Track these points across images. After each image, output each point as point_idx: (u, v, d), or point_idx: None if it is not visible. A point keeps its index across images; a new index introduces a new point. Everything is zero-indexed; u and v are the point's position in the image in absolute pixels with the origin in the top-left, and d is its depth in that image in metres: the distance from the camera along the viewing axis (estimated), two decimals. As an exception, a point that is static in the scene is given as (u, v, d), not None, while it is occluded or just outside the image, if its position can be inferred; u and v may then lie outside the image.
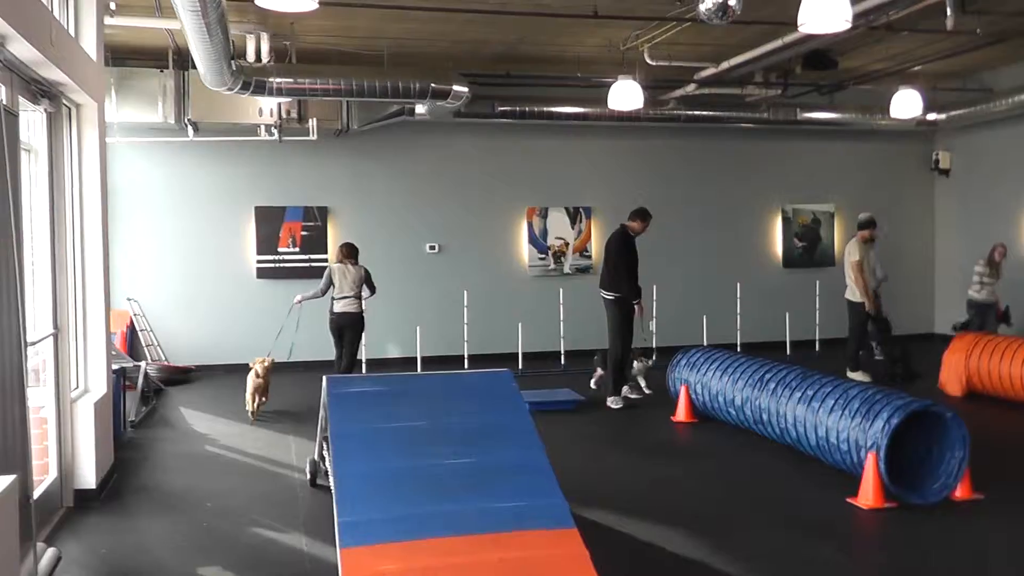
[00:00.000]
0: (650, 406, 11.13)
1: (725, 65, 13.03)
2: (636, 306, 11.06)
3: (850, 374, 12.46)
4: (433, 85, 12.39)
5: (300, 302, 11.63)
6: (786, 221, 16.94)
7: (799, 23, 8.50)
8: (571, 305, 14.76)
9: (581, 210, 15.92)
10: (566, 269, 15.85)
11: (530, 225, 15.71)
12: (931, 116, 16.08)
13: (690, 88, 14.22)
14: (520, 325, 14.11)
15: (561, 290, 14.72)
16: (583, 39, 12.62)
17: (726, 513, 7.08)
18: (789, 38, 11.38)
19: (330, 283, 11.43)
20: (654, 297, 14.65)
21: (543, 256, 15.76)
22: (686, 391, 10.30)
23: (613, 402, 11.08)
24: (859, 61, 14.24)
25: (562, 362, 14.41)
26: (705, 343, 14.23)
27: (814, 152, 17.00)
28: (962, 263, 17.01)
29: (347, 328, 11.39)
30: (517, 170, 15.67)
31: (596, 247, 15.87)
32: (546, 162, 15.79)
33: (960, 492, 7.20)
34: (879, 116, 15.82)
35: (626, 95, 12.45)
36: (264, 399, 10.94)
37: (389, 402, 5.89)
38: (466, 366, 13.76)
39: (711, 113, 15.34)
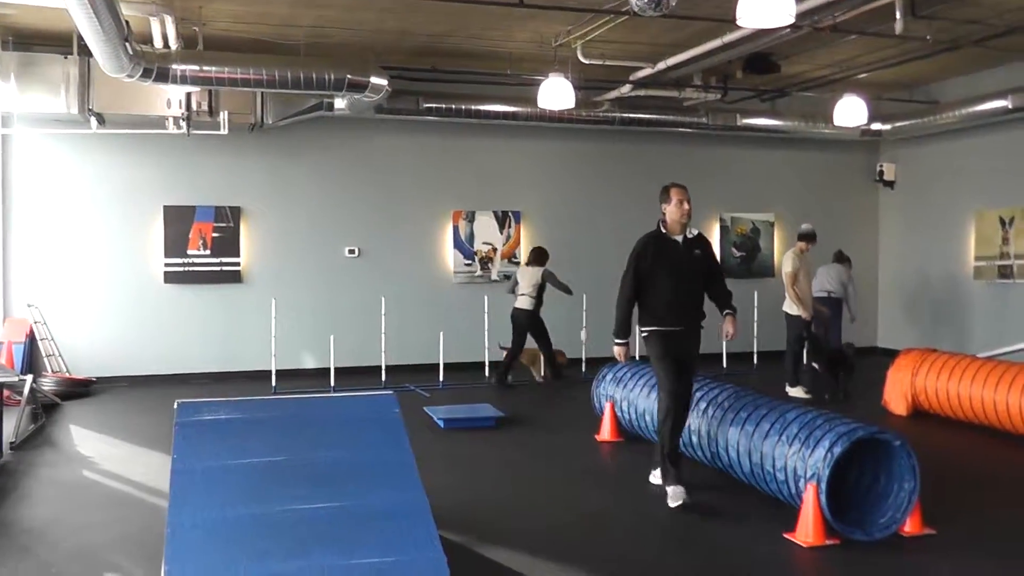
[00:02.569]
0: (573, 423, 10.41)
1: (662, 65, 12.60)
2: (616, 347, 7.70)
3: (789, 390, 12.12)
4: (350, 77, 11.67)
5: None
6: (724, 230, 16.47)
7: (737, 17, 7.97)
8: (498, 314, 14.03)
9: (510, 214, 15.25)
10: (494, 276, 15.15)
11: (456, 229, 14.97)
12: (876, 126, 15.93)
13: (625, 89, 13.73)
14: (442, 334, 13.31)
15: (487, 298, 13.93)
16: (513, 33, 12.00)
17: (653, 551, 6.37)
18: (729, 37, 11.02)
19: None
20: (584, 306, 13.94)
21: (469, 262, 15.04)
22: (611, 408, 9.61)
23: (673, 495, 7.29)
24: (802, 67, 13.92)
25: (486, 374, 13.66)
26: (637, 356, 13.63)
27: (754, 160, 16.56)
28: (904, 276, 16.79)
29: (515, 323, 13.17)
30: (443, 171, 14.94)
31: (525, 253, 15.15)
32: (474, 163, 15.09)
33: (910, 527, 6.54)
34: (822, 124, 15.61)
35: (557, 94, 11.90)
36: None
37: (244, 433, 4.99)
38: (383, 378, 12.96)
39: (647, 116, 14.86)
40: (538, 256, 13.34)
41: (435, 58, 13.25)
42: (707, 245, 7.75)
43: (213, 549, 4.29)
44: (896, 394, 11.28)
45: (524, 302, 13.11)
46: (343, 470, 4.83)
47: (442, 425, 10.09)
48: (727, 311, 7.66)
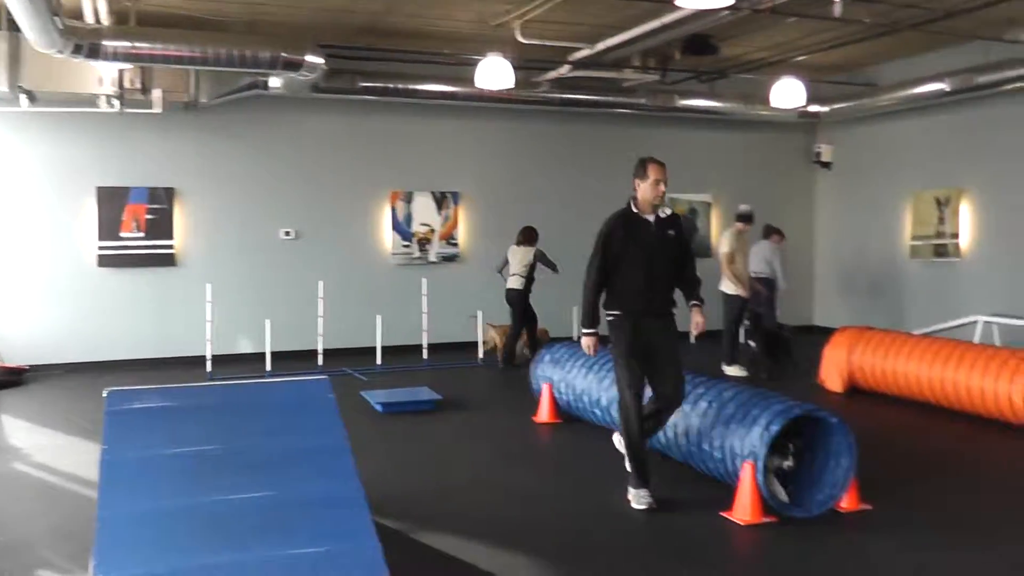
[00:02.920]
0: (512, 405, 10.36)
1: (601, 46, 12.49)
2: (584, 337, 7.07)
3: (726, 369, 12.19)
4: (284, 55, 11.42)
5: None
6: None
7: (676, -4, 7.94)
8: (436, 296, 13.96)
9: (448, 195, 15.10)
10: (432, 257, 15.01)
11: (393, 210, 14.79)
12: (813, 108, 15.99)
13: (564, 70, 13.60)
14: (380, 317, 13.17)
15: (426, 280, 13.80)
16: (452, 13, 11.84)
17: (588, 531, 6.34)
18: (668, 18, 10.92)
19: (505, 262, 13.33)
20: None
21: (407, 244, 14.87)
22: (549, 389, 9.57)
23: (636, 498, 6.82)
24: (741, 49, 13.91)
25: (425, 356, 13.54)
26: (575, 336, 13.67)
27: (693, 141, 16.57)
28: (841, 256, 16.98)
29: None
30: (380, 151, 14.72)
31: (464, 234, 15.13)
32: (412, 143, 14.88)
33: (846, 503, 6.61)
34: (760, 106, 15.60)
35: (496, 74, 11.81)
36: None
37: (176, 421, 4.84)
38: (320, 362, 12.81)
39: (586, 97, 14.76)
40: (528, 236, 13.28)
41: (373, 37, 13.01)
42: (680, 226, 7.06)
43: (144, 542, 4.17)
44: (832, 372, 11.39)
45: (516, 282, 13.08)
46: (277, 458, 4.73)
47: (380, 409, 9.99)
48: (694, 302, 7.05)
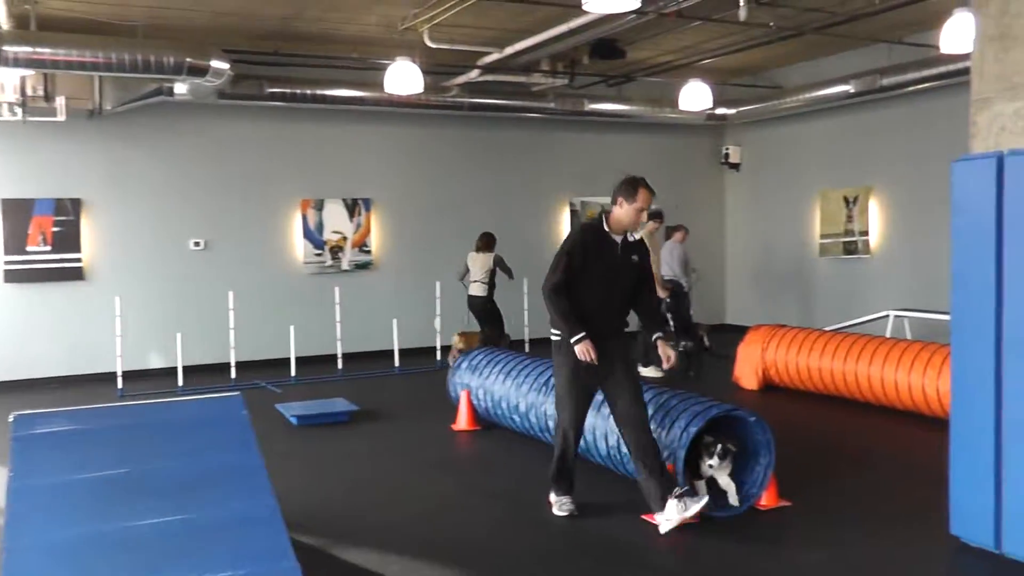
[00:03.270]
0: (430, 414, 10.25)
1: (510, 50, 12.50)
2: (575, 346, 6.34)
3: (642, 370, 12.12)
4: (189, 60, 11.19)
5: None
6: (574, 214, 16.51)
7: (584, 2, 7.95)
8: (350, 304, 13.78)
9: (360, 202, 14.92)
10: (344, 265, 14.81)
11: (304, 218, 14.56)
12: (721, 110, 16.25)
13: (474, 74, 13.58)
14: (293, 328, 12.92)
15: (338, 288, 13.58)
16: (358, 16, 11.71)
17: (507, 539, 6.29)
18: (576, 23, 10.96)
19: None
20: (438, 294, 13.82)
21: (319, 252, 14.66)
22: (467, 396, 9.49)
23: (558, 505, 6.70)
24: (648, 53, 14.03)
25: (339, 367, 13.34)
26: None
27: (602, 144, 16.65)
28: (751, 255, 17.20)
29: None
30: (290, 158, 14.46)
31: (376, 241, 14.96)
32: (321, 150, 14.67)
33: (766, 500, 6.66)
34: (668, 109, 15.81)
35: (404, 78, 11.68)
36: None
37: (85, 445, 4.65)
38: (233, 375, 12.52)
39: (496, 101, 14.75)
40: (487, 241, 13.18)
41: (278, 42, 12.81)
42: (645, 253, 6.66)
43: (54, 572, 4.00)
44: (747, 369, 11.52)
45: (479, 289, 12.99)
46: (190, 479, 4.57)
47: (295, 422, 9.80)
48: (658, 335, 6.65)
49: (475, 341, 13.09)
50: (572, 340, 6.27)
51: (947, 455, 5.93)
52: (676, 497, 6.14)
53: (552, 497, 6.72)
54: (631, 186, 6.35)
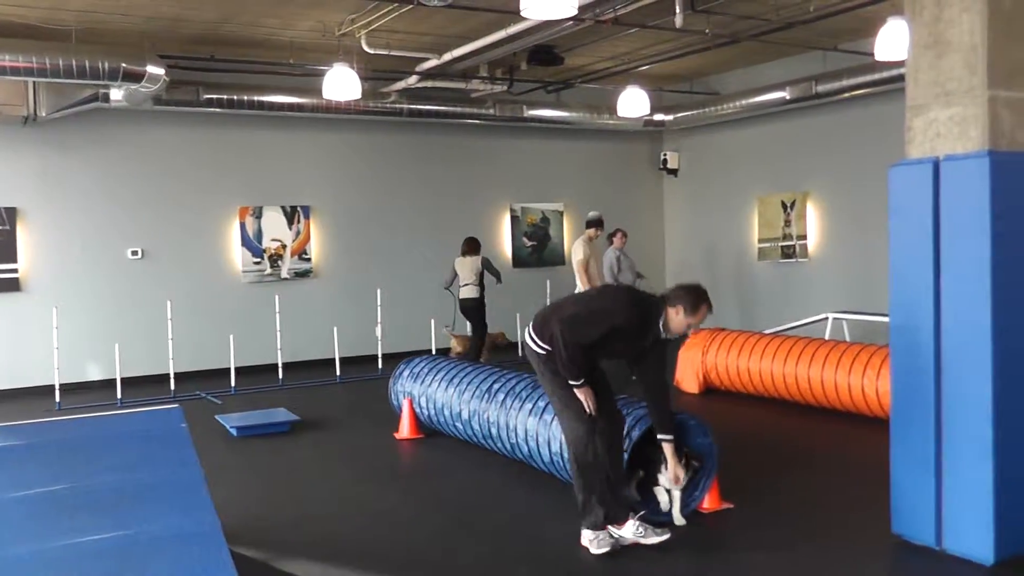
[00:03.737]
0: (372, 423, 10.17)
1: (448, 56, 12.49)
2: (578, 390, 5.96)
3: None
4: (125, 66, 11.06)
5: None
6: (515, 220, 16.53)
7: (521, 8, 7.94)
8: (290, 313, 13.64)
9: (299, 209, 14.77)
10: (284, 274, 14.65)
11: (243, 226, 14.37)
12: (658, 116, 16.43)
13: (412, 80, 13.54)
14: (232, 337, 12.72)
15: (278, 297, 13.43)
16: (294, 21, 11.59)
17: (449, 548, 6.22)
18: (513, 29, 11.01)
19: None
20: (379, 301, 13.74)
21: (258, 260, 14.48)
22: (410, 404, 9.43)
23: (593, 542, 6.01)
24: (586, 59, 14.09)
25: (280, 376, 13.16)
26: (434, 349, 13.57)
27: (542, 150, 16.69)
28: (690, 260, 17.31)
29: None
30: (228, 165, 14.28)
31: (316, 249, 14.83)
32: (260, 157, 14.50)
33: (708, 503, 6.69)
34: (606, 115, 15.92)
35: (342, 84, 11.62)
36: None
37: (20, 461, 4.51)
38: (172, 387, 12.32)
39: (435, 107, 14.72)
40: (472, 246, 13.39)
41: (214, 46, 12.65)
42: (666, 344, 6.21)
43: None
44: (688, 373, 11.58)
45: (470, 291, 13.18)
46: (128, 495, 4.46)
47: (235, 433, 9.65)
48: (665, 437, 6.18)
49: (467, 343, 13.45)
50: (572, 383, 5.89)
51: (887, 455, 6.01)
52: (639, 518, 6.10)
53: (588, 539, 6.03)
54: (697, 300, 5.86)
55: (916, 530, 5.85)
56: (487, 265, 13.31)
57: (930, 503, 5.72)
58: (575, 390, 5.90)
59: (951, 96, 5.62)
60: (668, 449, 6.15)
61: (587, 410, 5.89)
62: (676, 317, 5.85)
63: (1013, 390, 5.46)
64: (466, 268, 13.25)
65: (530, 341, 6.13)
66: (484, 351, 13.32)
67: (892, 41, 9.89)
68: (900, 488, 5.94)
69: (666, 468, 6.21)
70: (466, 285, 13.22)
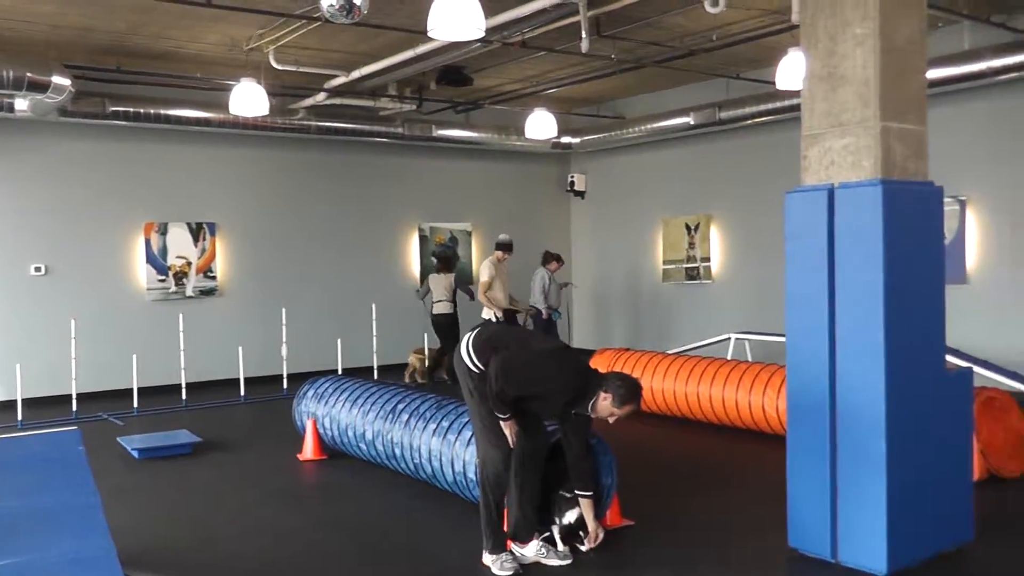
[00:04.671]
0: (276, 444, 10.06)
1: (356, 74, 12.48)
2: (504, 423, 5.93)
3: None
4: (29, 75, 10.84)
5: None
6: (423, 240, 16.52)
7: (429, 29, 7.98)
8: (195, 332, 13.44)
9: (205, 226, 14.56)
10: (189, 292, 14.41)
11: (148, 243, 14.09)
12: (566, 139, 16.58)
13: (320, 97, 13.47)
14: (136, 357, 12.44)
15: (182, 316, 13.18)
16: (201, 35, 11.45)
17: (352, 569, 6.20)
18: (422, 49, 11.08)
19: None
20: (284, 320, 13.61)
21: (163, 278, 14.21)
22: (313, 425, 9.34)
23: (496, 563, 6.00)
24: (494, 80, 14.20)
25: (183, 397, 12.92)
26: (340, 369, 13.49)
27: (451, 170, 16.74)
28: (597, 281, 17.48)
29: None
30: (134, 180, 13.98)
31: (221, 267, 14.63)
32: (166, 172, 14.23)
33: (609, 520, 6.75)
34: (515, 137, 16.03)
35: (250, 100, 11.54)
36: None
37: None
38: (75, 408, 12.00)
39: (344, 125, 14.68)
40: (446, 263, 14.01)
41: (121, 58, 12.41)
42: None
43: None
44: (593, 394, 11.65)
45: (444, 307, 13.63)
46: (21, 520, 4.33)
47: (137, 456, 9.47)
48: (583, 494, 6.20)
49: (423, 359, 13.87)
50: (499, 416, 5.84)
51: (786, 471, 6.15)
52: (543, 539, 6.14)
53: (492, 557, 6.02)
54: (627, 396, 5.85)
55: (812, 543, 6.01)
56: (460, 283, 13.76)
57: (826, 517, 5.88)
58: (500, 422, 5.86)
59: (845, 127, 5.80)
60: (586, 505, 6.16)
61: (508, 442, 5.89)
62: (604, 403, 5.83)
63: (905, 407, 5.66)
64: (440, 285, 13.71)
65: (467, 357, 6.04)
66: (439, 369, 13.74)
67: (792, 71, 10.16)
68: (797, 503, 6.10)
69: (573, 519, 6.29)
70: (439, 301, 13.65)
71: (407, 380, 14.02)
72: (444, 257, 14.17)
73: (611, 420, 5.99)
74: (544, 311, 13.52)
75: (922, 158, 5.94)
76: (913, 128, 5.86)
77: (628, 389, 5.85)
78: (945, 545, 6.01)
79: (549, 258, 13.81)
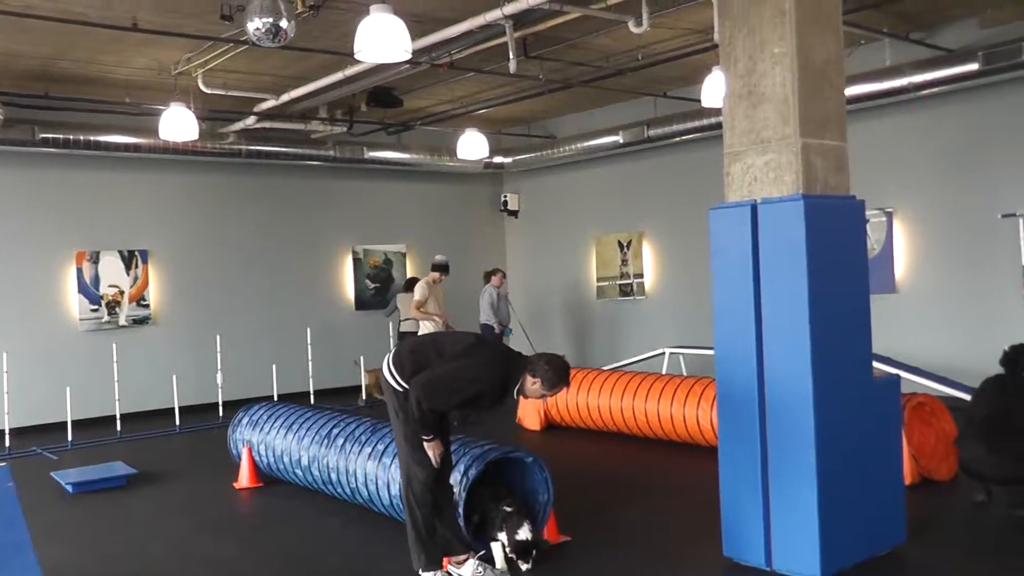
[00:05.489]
0: (211, 472, 9.96)
1: (286, 97, 12.46)
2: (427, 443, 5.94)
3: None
4: (-45, 100, 10.64)
5: None
6: (357, 262, 16.48)
7: (356, 51, 8.02)
8: (129, 362, 13.26)
9: (137, 253, 14.38)
10: (122, 321, 14.21)
11: (80, 272, 13.86)
12: (498, 159, 16.70)
13: (250, 121, 13.42)
14: (69, 389, 12.14)
15: (116, 345, 12.98)
16: (129, 59, 11.35)
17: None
18: (351, 71, 11.09)
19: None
20: (219, 347, 13.47)
21: (95, 307, 13.99)
22: (249, 453, 9.27)
23: None
24: (425, 101, 14.24)
25: (118, 428, 12.68)
26: (275, 395, 13.37)
27: (384, 192, 16.74)
28: (531, 299, 17.54)
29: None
30: (64, 207, 13.76)
31: (155, 295, 14.46)
32: (96, 198, 14.04)
33: (546, 536, 6.76)
34: (447, 157, 16.10)
35: (179, 124, 11.47)
36: None
37: None
38: (7, 443, 11.76)
39: (275, 148, 14.68)
40: (411, 284, 14.01)
41: (49, 83, 12.24)
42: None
43: None
44: (529, 411, 11.76)
45: (411, 325, 13.39)
46: (-52, 559, 4.31)
47: (71, 490, 9.30)
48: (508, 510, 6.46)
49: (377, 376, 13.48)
50: (423, 438, 5.86)
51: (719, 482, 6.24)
52: (478, 558, 6.17)
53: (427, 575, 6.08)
54: (556, 379, 5.89)
55: (746, 552, 6.11)
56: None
57: (759, 526, 5.98)
58: (424, 443, 5.86)
59: (766, 144, 5.93)
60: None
61: (433, 461, 5.90)
62: (532, 386, 5.86)
63: (833, 415, 5.77)
64: (407, 304, 13.58)
65: (389, 376, 6.02)
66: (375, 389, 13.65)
67: (717, 89, 10.30)
68: (730, 513, 6.19)
69: (528, 536, 6.29)
70: (407, 320, 13.61)
71: (364, 399, 14.17)
72: (411, 279, 14.47)
73: (542, 400, 5.99)
74: (496, 326, 13.54)
75: (843, 172, 6.08)
76: (833, 144, 6.01)
77: (556, 372, 5.87)
78: (878, 548, 6.14)
79: (491, 275, 13.84)
